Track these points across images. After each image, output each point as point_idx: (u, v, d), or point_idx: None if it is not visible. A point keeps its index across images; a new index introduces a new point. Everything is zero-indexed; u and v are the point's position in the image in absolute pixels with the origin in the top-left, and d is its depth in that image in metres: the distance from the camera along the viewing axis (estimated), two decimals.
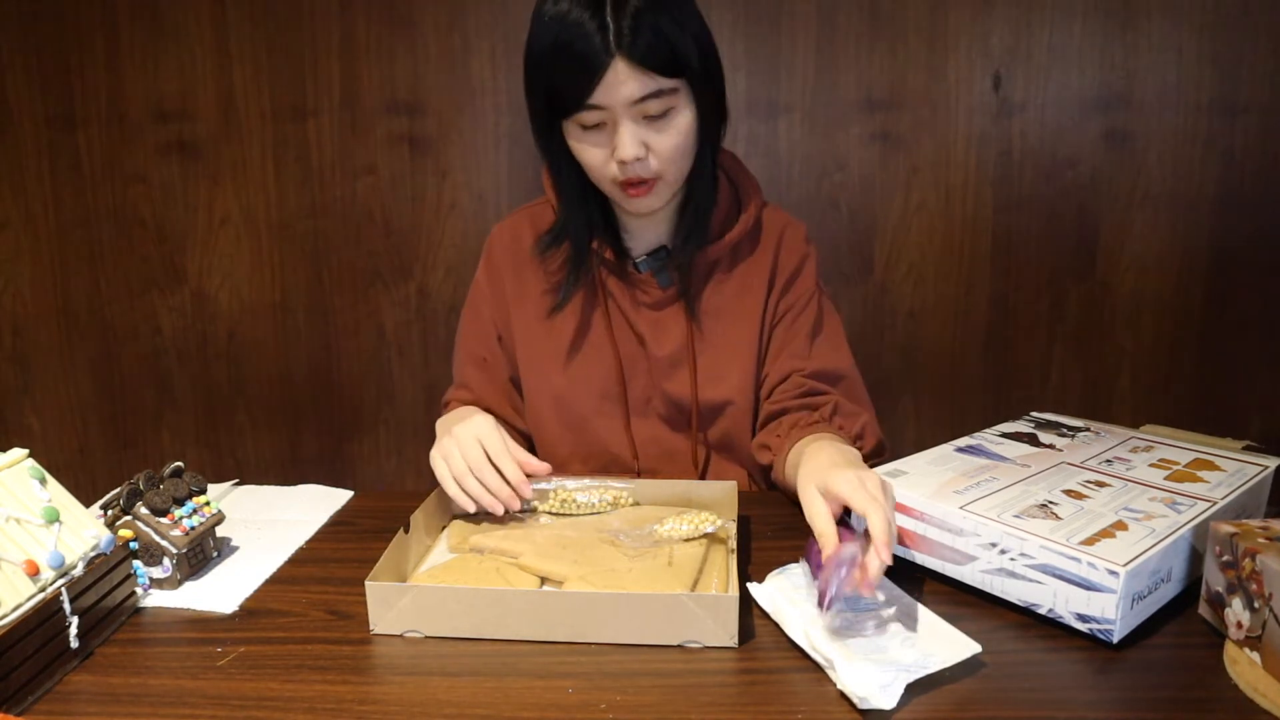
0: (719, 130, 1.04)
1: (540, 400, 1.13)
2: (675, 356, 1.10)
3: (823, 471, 0.82)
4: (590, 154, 0.98)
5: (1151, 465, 0.91)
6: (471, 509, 0.93)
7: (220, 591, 0.84)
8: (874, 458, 1.06)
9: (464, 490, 0.93)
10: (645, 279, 1.09)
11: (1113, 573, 0.69)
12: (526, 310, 1.13)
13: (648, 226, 1.10)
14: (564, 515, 0.97)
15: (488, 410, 1.10)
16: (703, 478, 1.13)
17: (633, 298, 1.10)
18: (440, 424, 1.06)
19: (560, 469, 1.14)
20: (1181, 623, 0.75)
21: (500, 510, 0.93)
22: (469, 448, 0.94)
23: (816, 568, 0.74)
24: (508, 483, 0.93)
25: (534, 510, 0.97)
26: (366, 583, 0.75)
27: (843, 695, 0.65)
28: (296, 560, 0.91)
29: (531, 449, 1.18)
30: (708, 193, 1.06)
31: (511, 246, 1.14)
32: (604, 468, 1.13)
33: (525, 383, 1.15)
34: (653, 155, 0.96)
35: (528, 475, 0.94)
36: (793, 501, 0.93)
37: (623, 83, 0.90)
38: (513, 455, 0.95)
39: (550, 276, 1.12)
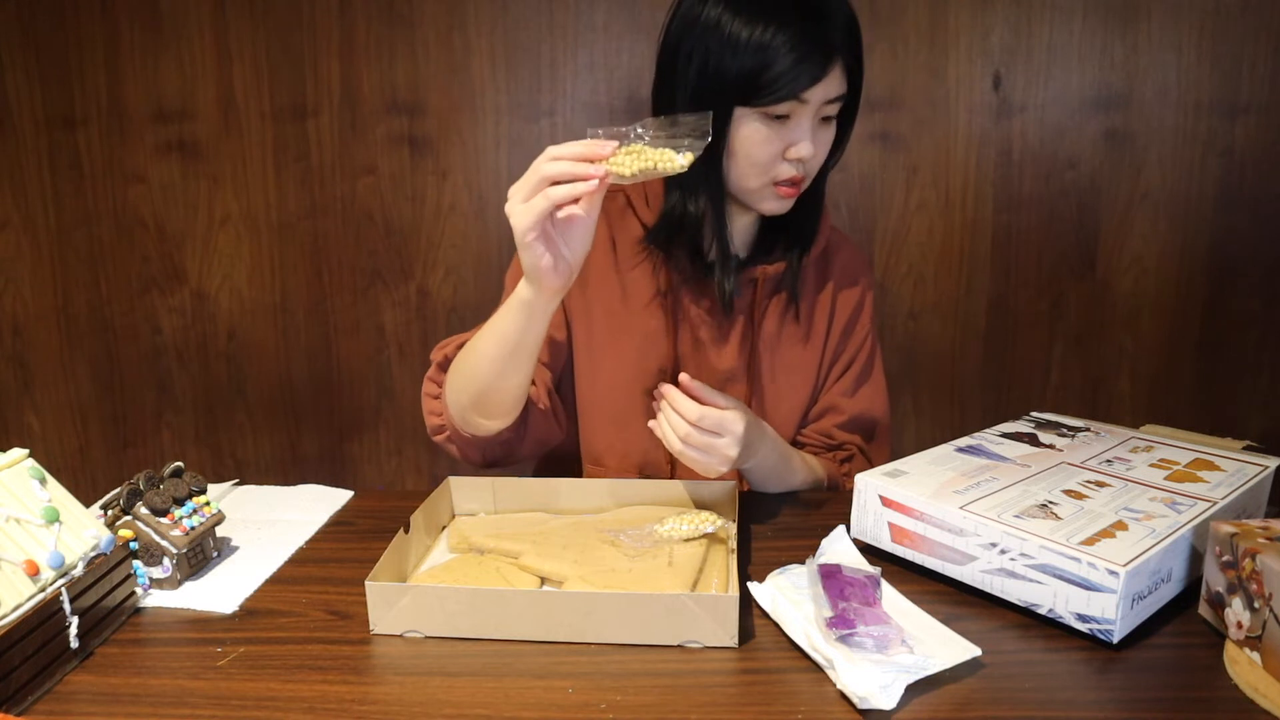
0: (842, 149, 1.05)
1: (590, 385, 1.11)
2: (732, 370, 1.10)
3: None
4: (766, 146, 0.96)
5: (1151, 465, 0.91)
6: (560, 196, 0.80)
7: (220, 591, 0.84)
8: None
9: (546, 189, 0.80)
10: (714, 285, 1.07)
11: (1113, 573, 0.69)
12: (589, 294, 1.09)
13: (742, 233, 1.10)
14: (569, 515, 0.97)
15: None
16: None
17: (699, 304, 1.09)
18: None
19: (596, 462, 1.13)
20: (1181, 623, 0.75)
21: (600, 172, 0.79)
22: (521, 188, 0.82)
23: (834, 595, 0.74)
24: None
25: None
26: (366, 583, 0.75)
27: (843, 695, 0.65)
28: (296, 560, 0.91)
29: (569, 441, 1.15)
30: (816, 209, 1.08)
31: None
32: (639, 467, 1.12)
33: (577, 366, 1.11)
34: (814, 157, 0.98)
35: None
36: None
37: (832, 81, 0.94)
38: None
39: (623, 266, 1.09)
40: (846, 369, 1.14)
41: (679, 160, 0.79)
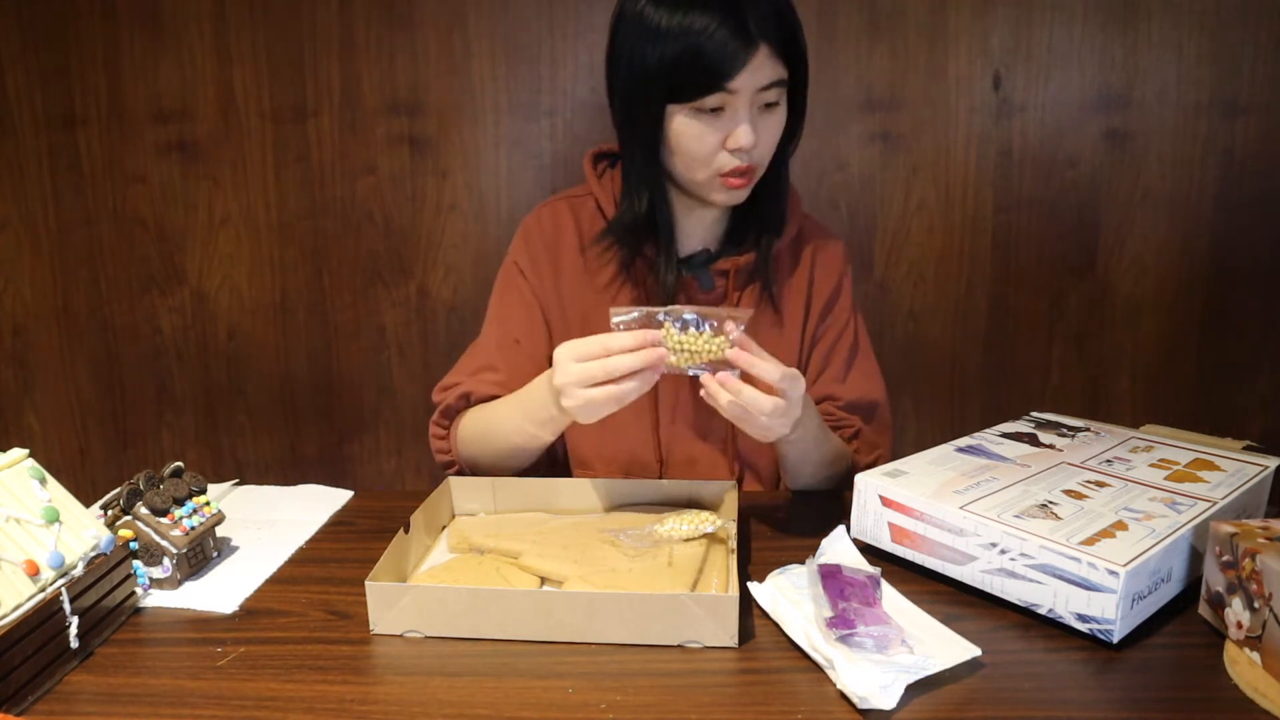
0: (798, 133, 1.05)
1: None
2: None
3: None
4: (703, 140, 0.96)
5: (1151, 465, 0.91)
6: (631, 396, 0.84)
7: (220, 591, 0.84)
8: None
9: (615, 389, 0.84)
10: (688, 281, 1.09)
11: (1113, 573, 0.69)
12: (564, 299, 1.11)
13: (696, 227, 1.10)
14: (571, 515, 0.97)
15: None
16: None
17: (673, 299, 1.10)
18: (518, 393, 1.01)
19: (583, 466, 1.14)
20: (1181, 623, 0.75)
21: (654, 380, 0.85)
22: (573, 373, 0.85)
23: (834, 595, 0.74)
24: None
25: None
26: (366, 583, 0.75)
27: (843, 695, 0.65)
28: (296, 560, 0.91)
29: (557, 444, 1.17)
30: (778, 197, 1.07)
31: (552, 233, 1.13)
32: (626, 469, 1.13)
33: None
34: (758, 146, 0.97)
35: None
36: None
37: (759, 68, 0.92)
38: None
39: (590, 265, 1.10)
40: (832, 353, 1.13)
41: (727, 352, 0.84)
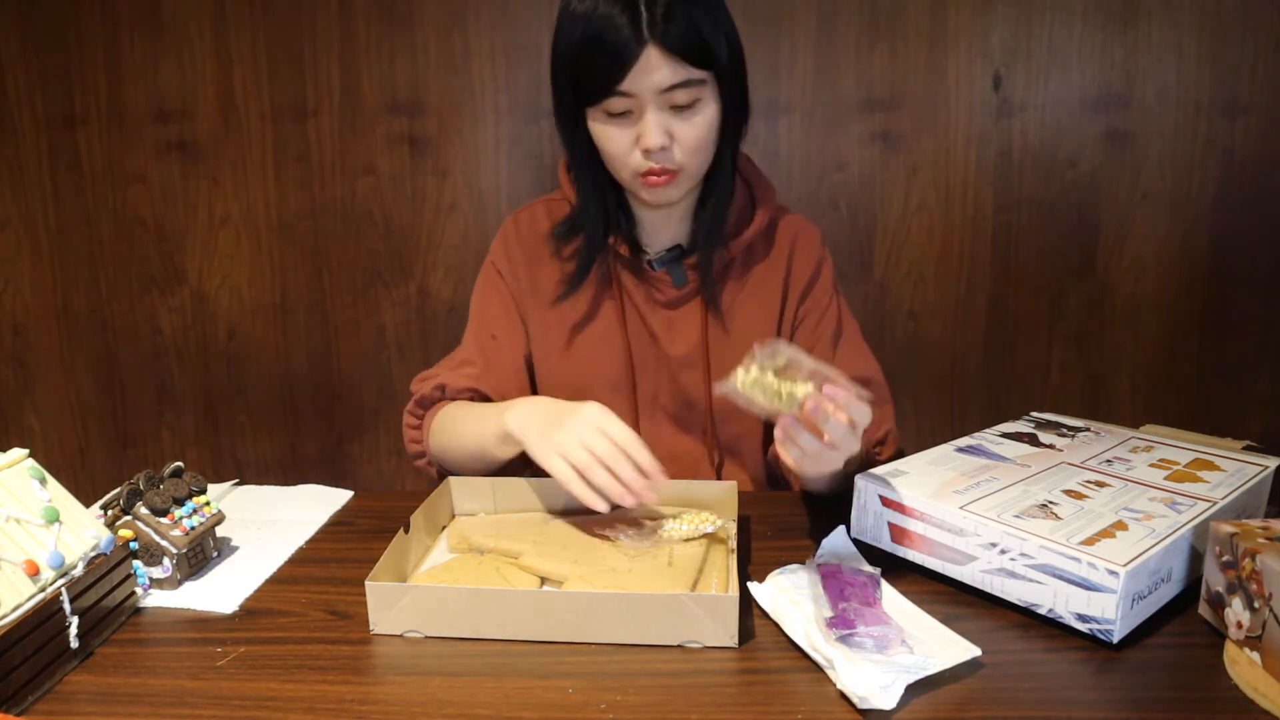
0: (741, 129, 1.05)
1: (550, 391, 1.13)
2: (689, 357, 1.10)
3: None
4: (614, 143, 0.98)
5: (1151, 465, 0.91)
6: (603, 508, 0.84)
7: (220, 591, 0.84)
8: (894, 460, 1.07)
9: (592, 485, 0.84)
10: (660, 277, 1.10)
11: (1113, 573, 0.69)
12: (540, 299, 1.13)
13: (664, 224, 1.11)
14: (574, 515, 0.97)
15: (495, 389, 1.10)
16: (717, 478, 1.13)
17: (648, 295, 1.10)
18: (497, 409, 0.98)
19: None
20: (1181, 623, 0.75)
21: (631, 503, 0.83)
22: (592, 438, 0.85)
23: (834, 595, 0.74)
24: (642, 472, 0.84)
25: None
26: (366, 583, 0.75)
27: (843, 695, 0.65)
28: (296, 560, 0.91)
29: None
30: (725, 191, 1.06)
31: (529, 235, 1.14)
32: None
33: (537, 372, 1.15)
34: (676, 146, 0.97)
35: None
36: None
37: (654, 69, 0.92)
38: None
39: (565, 268, 1.12)
40: (815, 337, 1.12)
41: (797, 400, 0.77)
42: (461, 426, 1.05)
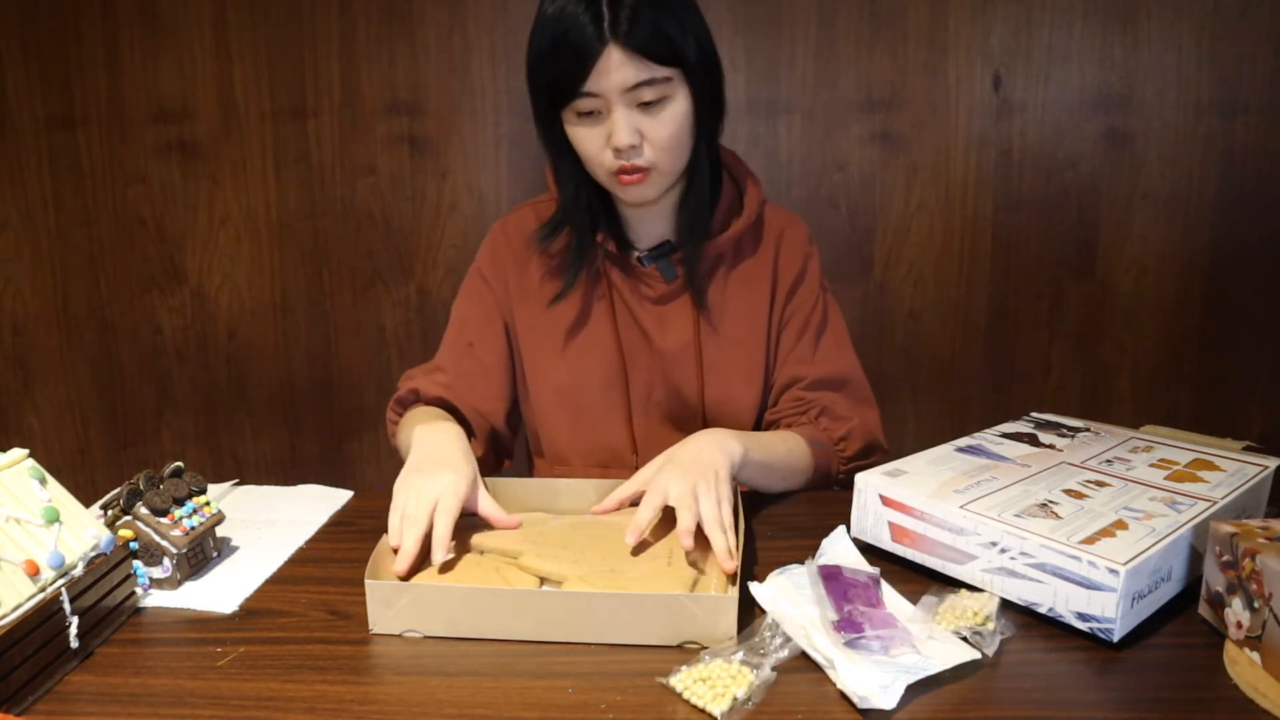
0: (716, 124, 1.05)
1: (543, 391, 1.13)
2: (681, 352, 1.10)
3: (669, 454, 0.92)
4: (586, 143, 0.99)
5: (1151, 465, 0.91)
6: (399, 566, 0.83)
7: (220, 591, 0.84)
8: (861, 459, 1.08)
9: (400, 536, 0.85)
10: (649, 273, 1.10)
11: (1113, 571, 0.69)
12: (529, 301, 1.13)
13: (650, 221, 1.11)
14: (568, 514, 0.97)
15: (462, 397, 1.10)
16: None
17: (637, 291, 1.11)
18: (419, 434, 0.97)
19: (560, 462, 1.15)
20: (1181, 623, 0.75)
21: (401, 569, 0.81)
22: (422, 499, 0.85)
23: (837, 597, 0.74)
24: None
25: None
26: (366, 582, 0.75)
27: (843, 695, 0.65)
28: (296, 560, 0.91)
29: (529, 441, 1.18)
30: (706, 186, 1.06)
31: (517, 238, 1.15)
32: (603, 462, 1.13)
33: (529, 374, 1.15)
34: (647, 144, 0.97)
35: (498, 527, 0.90)
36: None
37: (616, 69, 0.93)
38: (483, 512, 0.90)
39: (553, 268, 1.12)
40: (801, 334, 1.12)
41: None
42: (405, 436, 1.05)
